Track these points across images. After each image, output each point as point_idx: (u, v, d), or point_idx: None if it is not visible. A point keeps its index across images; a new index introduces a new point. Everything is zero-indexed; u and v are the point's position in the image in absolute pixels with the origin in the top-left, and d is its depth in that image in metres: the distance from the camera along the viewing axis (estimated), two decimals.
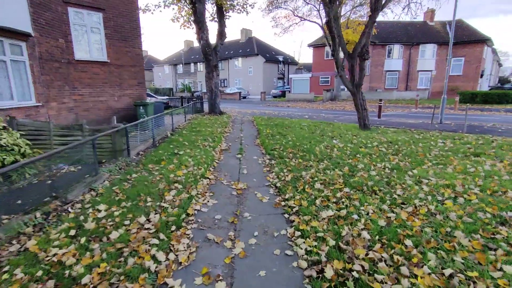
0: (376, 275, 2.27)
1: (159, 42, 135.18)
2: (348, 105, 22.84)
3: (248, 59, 45.53)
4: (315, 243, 2.78)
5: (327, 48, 32.06)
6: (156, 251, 2.71)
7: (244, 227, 3.30)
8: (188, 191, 4.23)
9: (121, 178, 4.93)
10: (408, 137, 8.23)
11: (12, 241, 2.96)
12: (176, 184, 4.47)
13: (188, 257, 2.69)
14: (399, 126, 11.14)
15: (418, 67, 31.06)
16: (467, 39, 28.22)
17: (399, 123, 12.10)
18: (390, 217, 3.24)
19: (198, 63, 50.74)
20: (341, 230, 2.98)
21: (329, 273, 2.33)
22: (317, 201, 3.75)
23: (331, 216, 3.32)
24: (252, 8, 35.68)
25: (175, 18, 16.81)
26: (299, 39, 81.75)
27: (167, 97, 25.03)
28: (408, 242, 2.69)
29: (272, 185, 4.63)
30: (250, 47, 46.32)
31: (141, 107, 10.67)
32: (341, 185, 4.30)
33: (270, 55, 45.91)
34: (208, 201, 4.00)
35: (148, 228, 3.14)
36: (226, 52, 47.86)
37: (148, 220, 3.33)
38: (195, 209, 3.71)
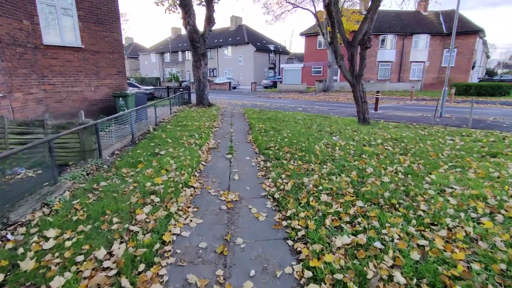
0: None
1: (145, 29, 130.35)
2: (342, 97, 22.19)
3: (238, 47, 44.03)
4: None
5: (320, 38, 31.14)
6: None
7: (236, 261, 2.55)
8: (166, 206, 3.43)
9: (86, 187, 4.06)
10: (412, 133, 7.61)
11: None
12: (152, 196, 3.65)
13: None
14: (398, 119, 10.56)
15: (410, 58, 30.57)
16: (460, 30, 27.77)
17: (397, 116, 11.52)
18: (423, 245, 2.55)
19: (186, 52, 48.83)
20: (364, 268, 2.27)
21: None
22: (327, 221, 3.02)
23: (347, 244, 2.61)
24: None
25: (160, 1, 15.56)
26: (290, 28, 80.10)
27: (152, 87, 23.60)
28: None
29: (269, 196, 3.87)
30: (240, 35, 44.78)
31: (120, 99, 9.61)
32: (352, 197, 3.60)
33: (261, 44, 44.56)
34: (191, 221, 3.21)
35: (107, 268, 2.33)
36: (215, 41, 46.19)
37: (110, 254, 2.52)
38: (174, 233, 2.92)
